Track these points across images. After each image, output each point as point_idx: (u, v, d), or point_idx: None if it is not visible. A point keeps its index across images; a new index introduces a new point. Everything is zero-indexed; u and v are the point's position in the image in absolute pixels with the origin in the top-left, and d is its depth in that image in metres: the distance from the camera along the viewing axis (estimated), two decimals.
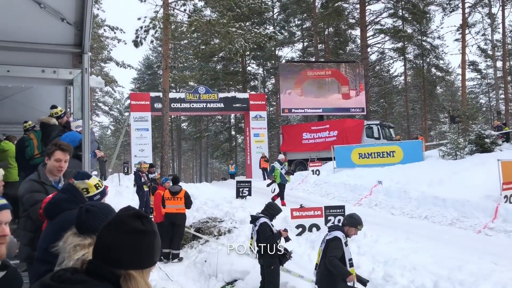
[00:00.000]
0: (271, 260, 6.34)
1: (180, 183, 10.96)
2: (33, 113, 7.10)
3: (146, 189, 13.47)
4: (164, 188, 10.48)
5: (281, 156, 15.31)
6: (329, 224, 6.21)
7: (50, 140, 5.34)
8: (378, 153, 18.72)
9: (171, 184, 10.41)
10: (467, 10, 34.49)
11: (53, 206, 2.92)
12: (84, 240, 2.08)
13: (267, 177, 24.66)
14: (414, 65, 40.86)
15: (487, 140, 15.74)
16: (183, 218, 10.21)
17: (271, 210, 6.77)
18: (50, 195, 3.10)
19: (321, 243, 5.58)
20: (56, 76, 3.67)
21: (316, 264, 5.64)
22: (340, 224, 5.77)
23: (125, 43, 35.53)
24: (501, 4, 34.05)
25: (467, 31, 34.78)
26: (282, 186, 14.36)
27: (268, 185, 15.48)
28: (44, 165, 3.57)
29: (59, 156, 3.47)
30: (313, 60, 37.54)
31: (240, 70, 41.41)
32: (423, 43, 39.55)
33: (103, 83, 5.86)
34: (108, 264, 1.34)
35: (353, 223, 5.57)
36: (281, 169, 14.27)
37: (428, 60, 40.47)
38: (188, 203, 10.13)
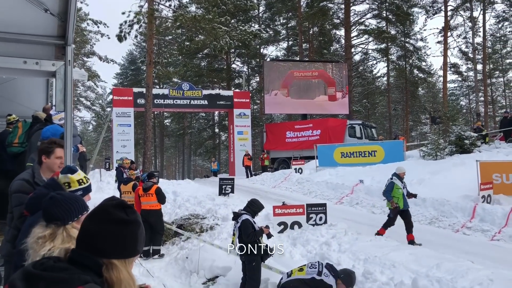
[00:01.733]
0: (253, 256, 6.36)
1: (162, 180, 10.88)
2: (12, 106, 6.97)
3: None
4: None
5: (400, 169, 9.95)
6: (326, 262, 5.73)
7: (31, 133, 5.28)
8: (360, 153, 18.92)
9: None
10: (449, 13, 35.09)
11: (34, 201, 2.87)
12: (44, 231, 2.04)
13: (250, 174, 24.73)
14: (397, 66, 41.38)
15: (466, 141, 16.05)
16: (157, 215, 9.97)
17: (253, 207, 6.78)
18: None
19: (310, 267, 5.32)
20: (39, 68, 3.62)
21: (293, 271, 5.46)
22: (336, 271, 5.31)
23: (109, 38, 35.13)
24: (482, 8, 34.74)
25: (449, 33, 35.40)
26: (406, 214, 9.56)
27: (390, 215, 9.73)
28: (40, 163, 3.49)
29: (60, 153, 3.43)
30: (298, 59, 37.68)
31: (225, 67, 41.33)
32: (406, 44, 40.08)
33: (86, 75, 5.80)
34: (91, 253, 1.34)
35: (349, 282, 5.24)
36: (403, 187, 9.68)
37: (410, 61, 41.02)
38: (160, 198, 9.90)
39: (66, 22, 3.43)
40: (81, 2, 34.15)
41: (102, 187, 17.36)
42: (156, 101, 26.50)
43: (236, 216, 6.76)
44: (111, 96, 34.84)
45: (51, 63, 3.65)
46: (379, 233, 9.53)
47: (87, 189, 3.00)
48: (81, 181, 2.94)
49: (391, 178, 9.76)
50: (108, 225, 1.37)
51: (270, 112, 32.46)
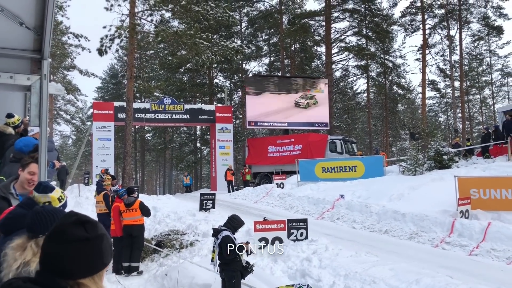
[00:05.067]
0: (233, 273, 6.28)
1: (142, 195, 10.74)
2: None
3: None
4: (121, 201, 10.19)
5: None
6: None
7: (4, 150, 5.11)
8: (341, 168, 19.03)
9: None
10: (427, 32, 36.03)
11: (10, 222, 2.75)
12: (16, 242, 1.97)
13: (232, 189, 24.62)
14: (376, 82, 42.02)
15: (445, 157, 16.29)
16: (141, 229, 9.91)
17: (233, 223, 6.72)
18: (6, 210, 2.94)
19: None
20: (13, 82, 3.54)
21: None
22: None
23: (90, 51, 34.78)
24: (458, 27, 35.72)
25: (427, 51, 36.22)
26: None
27: None
28: (16, 177, 3.39)
29: (34, 169, 3.30)
30: (279, 74, 37.97)
31: (207, 82, 41.35)
32: (386, 61, 40.79)
33: (63, 90, 5.71)
34: (55, 275, 1.29)
35: None
36: None
37: (390, 78, 41.73)
38: (145, 212, 9.88)
39: (42, 36, 3.38)
40: (62, 16, 33.90)
41: (80, 202, 17.02)
42: (137, 115, 26.31)
43: (216, 232, 6.67)
44: (91, 110, 34.41)
45: (26, 77, 3.58)
46: None
47: (65, 205, 2.93)
48: (60, 198, 2.86)
49: None
50: (67, 245, 1.29)
51: (251, 127, 32.23)
